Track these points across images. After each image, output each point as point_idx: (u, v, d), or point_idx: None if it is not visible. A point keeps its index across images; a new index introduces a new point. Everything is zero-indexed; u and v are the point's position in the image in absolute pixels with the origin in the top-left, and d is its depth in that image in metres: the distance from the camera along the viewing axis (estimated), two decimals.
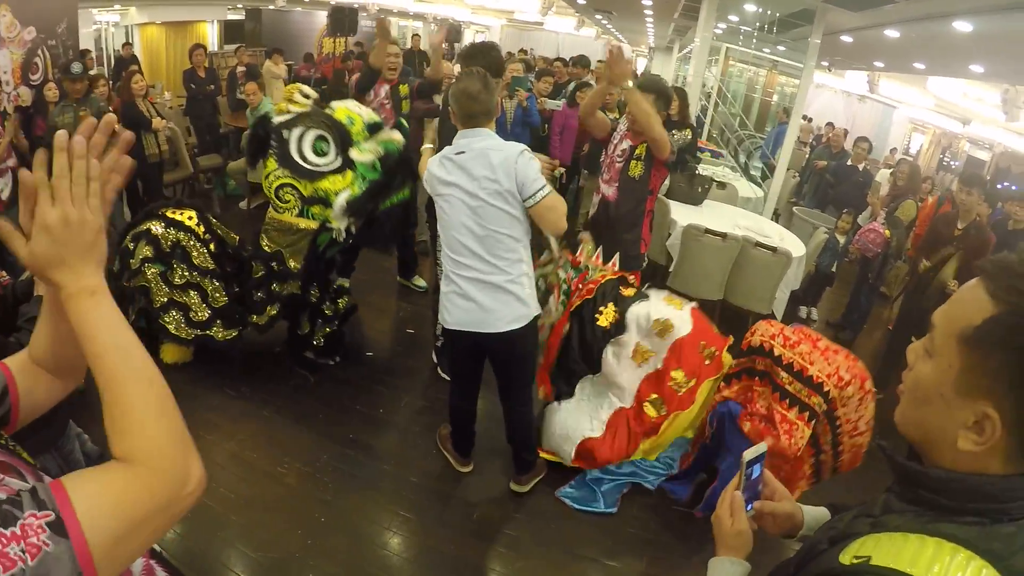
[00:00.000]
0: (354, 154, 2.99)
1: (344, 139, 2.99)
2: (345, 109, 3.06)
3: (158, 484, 0.69)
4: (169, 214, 3.34)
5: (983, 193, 4.40)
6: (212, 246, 3.37)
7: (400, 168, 3.11)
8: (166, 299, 3.19)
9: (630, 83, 2.93)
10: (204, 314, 3.21)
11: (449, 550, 2.48)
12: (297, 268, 3.20)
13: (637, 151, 3.11)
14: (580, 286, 2.98)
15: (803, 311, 5.45)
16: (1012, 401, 0.66)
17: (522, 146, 2.27)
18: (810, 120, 11.43)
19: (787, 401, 2.43)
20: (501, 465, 2.97)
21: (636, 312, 2.86)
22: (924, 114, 13.22)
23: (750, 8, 6.75)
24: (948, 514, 0.70)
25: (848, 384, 2.38)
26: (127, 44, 9.42)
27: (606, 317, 2.88)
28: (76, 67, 3.90)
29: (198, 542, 2.40)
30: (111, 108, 4.52)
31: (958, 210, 4.36)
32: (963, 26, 4.44)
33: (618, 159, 3.18)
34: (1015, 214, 4.73)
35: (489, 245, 2.32)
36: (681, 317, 2.86)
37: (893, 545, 0.68)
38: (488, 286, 2.34)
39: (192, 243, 3.30)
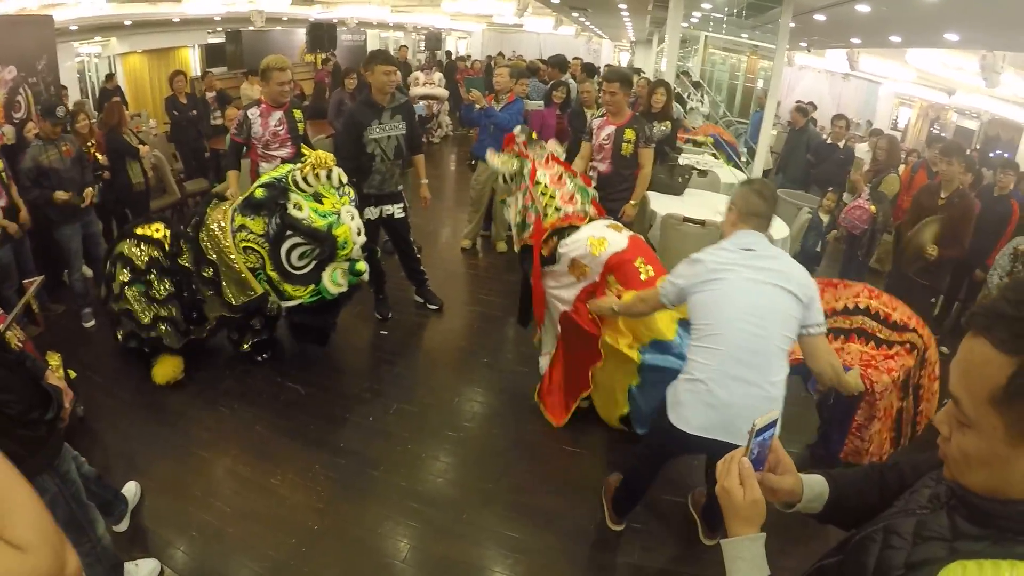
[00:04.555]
0: (325, 278, 3.14)
1: (327, 258, 3.14)
2: (347, 231, 3.15)
3: (44, 568, 0.79)
4: (139, 231, 3.40)
5: (963, 162, 4.40)
6: (180, 260, 3.44)
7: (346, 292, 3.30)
8: (151, 316, 3.29)
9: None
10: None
11: (438, 551, 2.51)
12: (235, 304, 3.29)
13: (627, 135, 3.91)
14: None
15: None
16: None
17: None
18: (798, 103, 11.43)
19: (884, 346, 2.66)
20: (491, 464, 3.02)
21: (573, 238, 3.01)
22: (909, 88, 13.19)
23: None
24: None
25: (924, 325, 2.71)
26: (111, 75, 9.49)
27: (547, 247, 3.08)
28: (60, 111, 3.90)
29: (196, 555, 2.45)
30: (94, 140, 4.58)
31: (940, 180, 4.36)
32: None
33: (605, 143, 3.98)
34: (1000, 181, 4.74)
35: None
36: (618, 237, 2.95)
37: (983, 572, 0.70)
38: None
39: (162, 257, 3.37)
